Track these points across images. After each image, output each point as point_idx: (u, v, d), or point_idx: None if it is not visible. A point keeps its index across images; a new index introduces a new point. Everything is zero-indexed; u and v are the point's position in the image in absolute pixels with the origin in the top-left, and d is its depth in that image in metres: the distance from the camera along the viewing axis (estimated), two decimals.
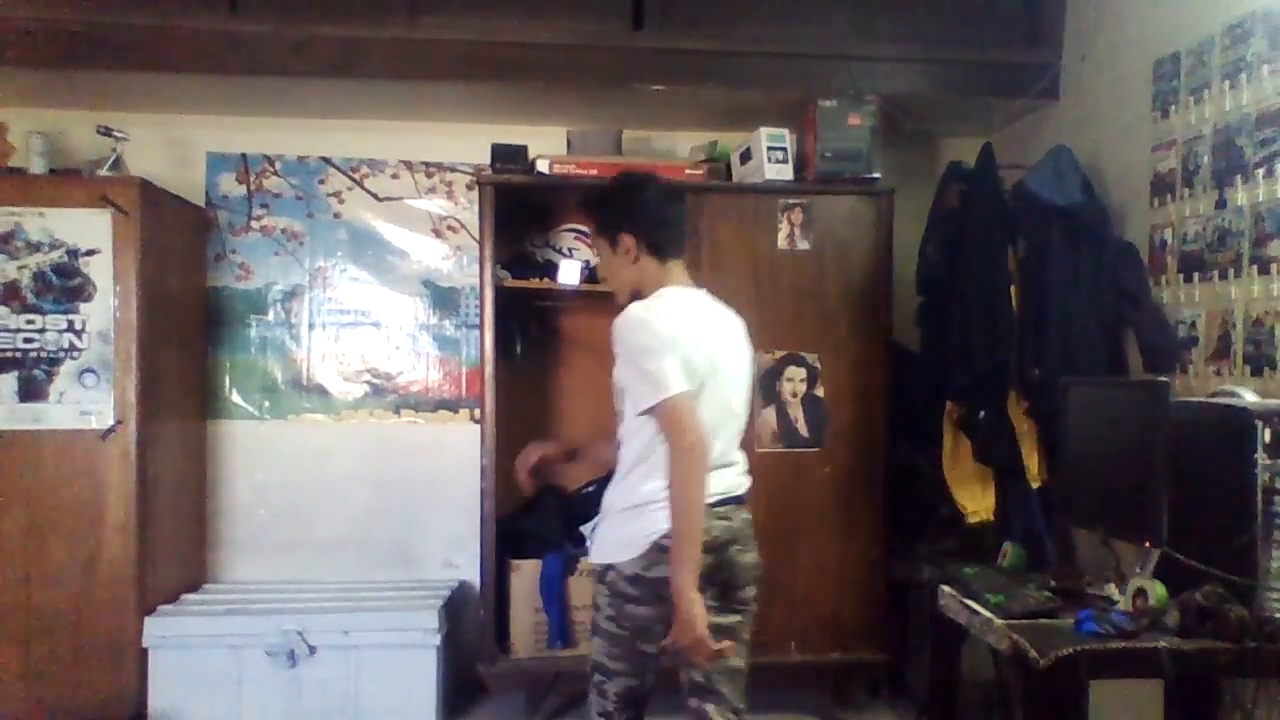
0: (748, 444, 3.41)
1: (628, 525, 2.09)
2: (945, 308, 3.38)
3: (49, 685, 3.24)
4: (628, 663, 2.14)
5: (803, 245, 3.52)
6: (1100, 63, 3.37)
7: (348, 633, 3.38)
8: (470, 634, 3.68)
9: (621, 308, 2.14)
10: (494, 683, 3.49)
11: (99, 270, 3.27)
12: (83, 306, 3.27)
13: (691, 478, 1.97)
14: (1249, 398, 2.32)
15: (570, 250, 4.02)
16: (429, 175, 4.04)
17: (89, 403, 3.27)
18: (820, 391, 3.52)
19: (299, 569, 3.93)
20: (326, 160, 4.00)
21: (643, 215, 2.19)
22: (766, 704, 3.64)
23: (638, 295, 2.19)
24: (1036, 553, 3.07)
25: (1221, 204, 2.71)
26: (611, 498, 2.19)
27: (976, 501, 3.38)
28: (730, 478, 2.18)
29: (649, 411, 2.01)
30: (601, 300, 3.90)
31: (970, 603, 2.38)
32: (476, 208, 3.60)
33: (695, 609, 1.95)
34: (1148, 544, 2.16)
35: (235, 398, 3.97)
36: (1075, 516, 2.67)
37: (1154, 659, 2.00)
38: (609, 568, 2.11)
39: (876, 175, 3.51)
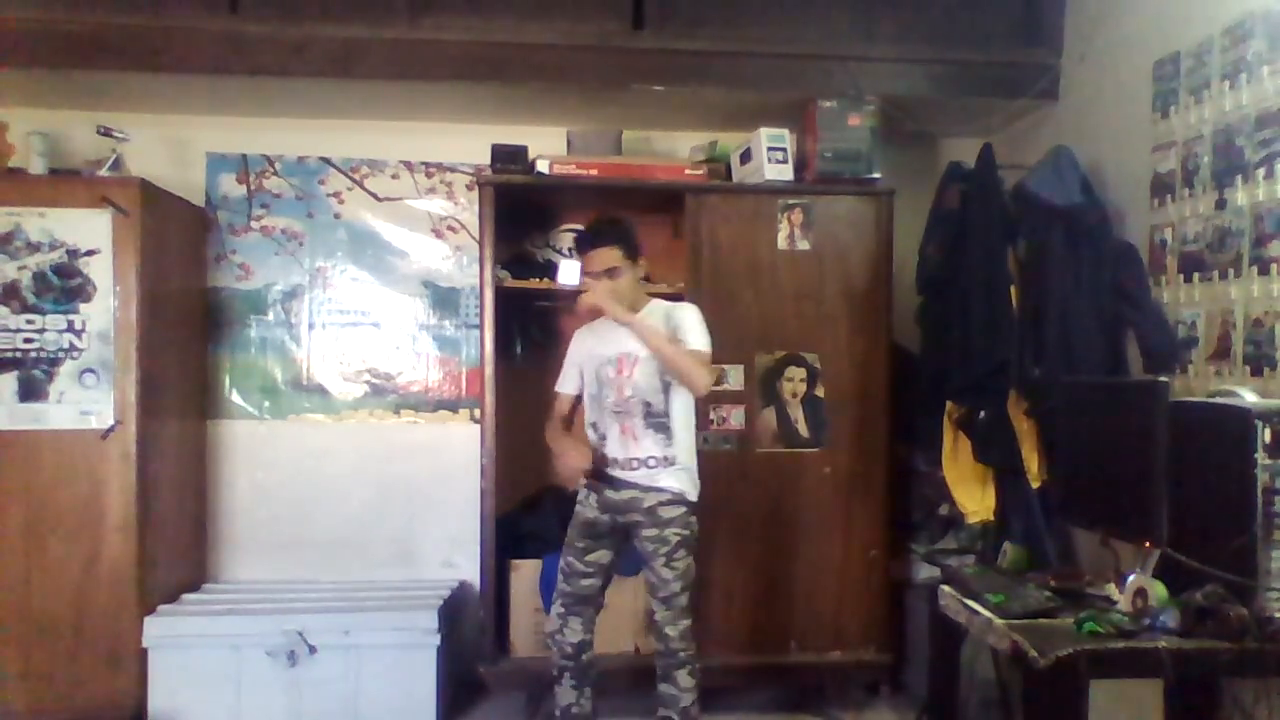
0: (749, 443, 3.49)
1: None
2: (945, 308, 3.39)
3: (49, 685, 3.24)
4: None
5: (803, 245, 3.52)
6: (1100, 63, 3.37)
7: (348, 633, 3.37)
8: (470, 634, 3.68)
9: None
10: (494, 683, 3.49)
11: (99, 270, 3.27)
12: (83, 306, 3.27)
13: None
14: (1249, 398, 2.32)
15: (570, 250, 4.01)
16: (429, 175, 4.04)
17: (89, 403, 3.27)
18: (820, 391, 3.52)
19: (299, 569, 3.92)
20: (326, 160, 4.00)
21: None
22: (767, 704, 3.66)
23: (633, 307, 2.85)
24: (1036, 553, 3.07)
25: (1221, 204, 2.71)
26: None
27: (976, 501, 3.39)
28: None
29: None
30: None
31: (970, 603, 2.38)
32: (476, 208, 3.60)
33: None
34: (1148, 544, 2.16)
35: (235, 398, 3.97)
36: (1075, 516, 2.67)
37: (1154, 659, 2.00)
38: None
39: (876, 176, 3.52)
